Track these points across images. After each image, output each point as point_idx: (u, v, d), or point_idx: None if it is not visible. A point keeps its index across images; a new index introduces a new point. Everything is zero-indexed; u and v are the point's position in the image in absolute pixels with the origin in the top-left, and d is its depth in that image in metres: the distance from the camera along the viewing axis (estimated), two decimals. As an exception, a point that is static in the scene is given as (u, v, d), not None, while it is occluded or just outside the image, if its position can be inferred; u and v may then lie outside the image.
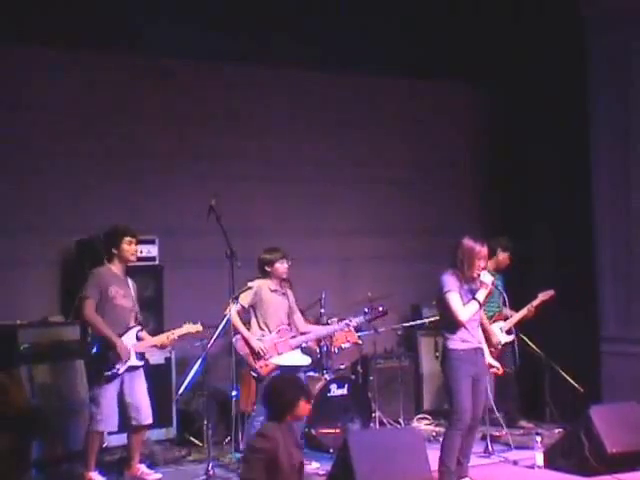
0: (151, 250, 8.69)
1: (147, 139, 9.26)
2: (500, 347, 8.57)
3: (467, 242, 6.92)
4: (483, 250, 6.93)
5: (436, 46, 10.06)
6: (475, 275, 6.89)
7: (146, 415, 7.46)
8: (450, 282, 6.90)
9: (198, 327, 7.51)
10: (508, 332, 8.85)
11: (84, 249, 8.46)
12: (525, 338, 8.92)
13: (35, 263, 8.60)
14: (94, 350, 7.26)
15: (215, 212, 7.68)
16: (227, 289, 7.59)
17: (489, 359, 7.26)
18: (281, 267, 7.89)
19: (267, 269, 7.88)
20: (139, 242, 7.72)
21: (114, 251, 7.45)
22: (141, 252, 8.50)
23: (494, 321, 8.68)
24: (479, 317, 7.06)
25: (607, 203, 9.06)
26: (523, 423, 9.03)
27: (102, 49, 8.85)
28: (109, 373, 7.25)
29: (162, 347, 7.62)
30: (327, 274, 9.78)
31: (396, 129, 10.48)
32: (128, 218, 8.31)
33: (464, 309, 6.84)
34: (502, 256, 8.96)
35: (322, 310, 8.76)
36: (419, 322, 9.40)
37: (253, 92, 9.73)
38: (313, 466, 7.72)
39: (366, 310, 8.26)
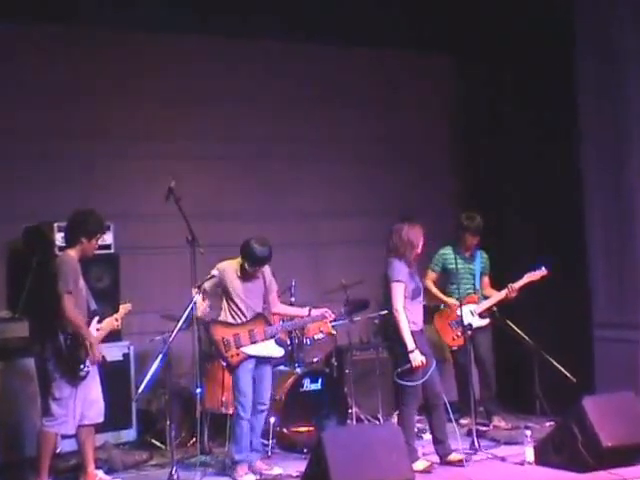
0: (105, 238, 8.23)
1: (98, 119, 9.06)
2: (470, 331, 8.50)
3: (402, 228, 7.40)
4: (419, 232, 7.43)
5: (408, 16, 9.88)
6: (415, 257, 7.45)
7: (99, 412, 7.19)
8: (402, 271, 7.37)
9: (128, 305, 7.41)
10: (482, 316, 8.73)
11: (32, 237, 8.20)
12: (513, 325, 8.81)
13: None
14: (64, 347, 6.89)
15: (174, 194, 7.44)
16: (189, 278, 7.32)
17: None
18: (256, 272, 7.44)
19: (247, 264, 7.39)
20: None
21: (83, 240, 7.10)
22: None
23: (465, 304, 8.52)
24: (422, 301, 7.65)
25: (597, 184, 8.94)
26: (497, 421, 8.74)
27: (50, 22, 8.65)
28: (83, 373, 6.98)
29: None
30: (297, 260, 9.64)
31: (368, 107, 10.30)
32: (79, 203, 7.97)
33: (402, 316, 7.28)
34: (465, 237, 8.77)
35: (292, 299, 8.52)
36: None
37: (214, 69, 9.59)
38: (275, 472, 7.40)
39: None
